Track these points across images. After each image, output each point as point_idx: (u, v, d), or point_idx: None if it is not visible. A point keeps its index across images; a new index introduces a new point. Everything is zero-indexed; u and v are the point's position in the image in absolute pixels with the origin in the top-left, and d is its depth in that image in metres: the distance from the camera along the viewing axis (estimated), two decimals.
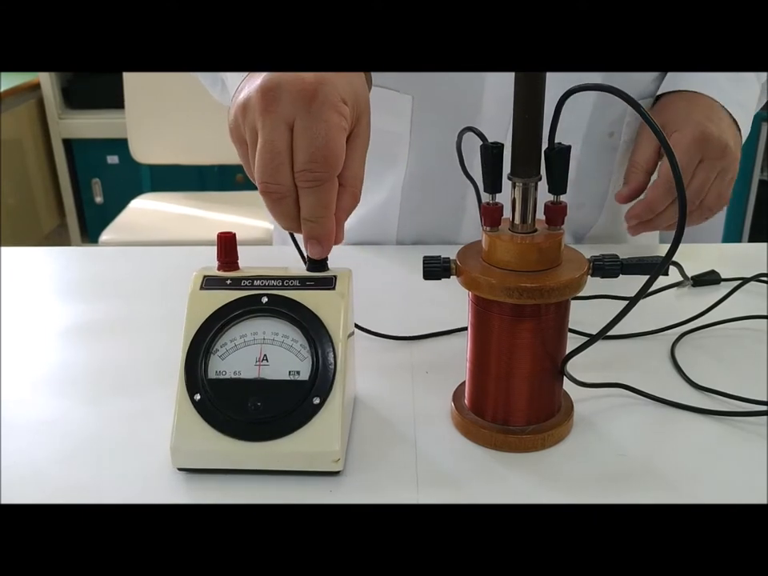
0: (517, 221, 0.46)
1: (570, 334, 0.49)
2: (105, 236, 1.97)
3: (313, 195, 0.45)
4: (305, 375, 0.45)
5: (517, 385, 0.48)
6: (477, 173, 0.72)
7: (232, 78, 0.79)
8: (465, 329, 0.51)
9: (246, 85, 0.47)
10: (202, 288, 0.48)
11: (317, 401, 0.45)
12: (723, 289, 0.69)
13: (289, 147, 0.45)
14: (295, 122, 0.44)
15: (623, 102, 0.41)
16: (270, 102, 0.45)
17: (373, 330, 0.62)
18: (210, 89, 0.83)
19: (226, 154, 2.15)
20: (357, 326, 0.59)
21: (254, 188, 0.47)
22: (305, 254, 0.49)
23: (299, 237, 0.49)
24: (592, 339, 0.47)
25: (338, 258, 0.49)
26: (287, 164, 0.45)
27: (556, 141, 0.44)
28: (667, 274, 0.50)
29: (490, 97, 0.73)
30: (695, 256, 0.80)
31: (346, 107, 0.46)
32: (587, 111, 0.76)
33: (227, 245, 0.49)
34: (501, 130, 0.69)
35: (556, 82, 0.45)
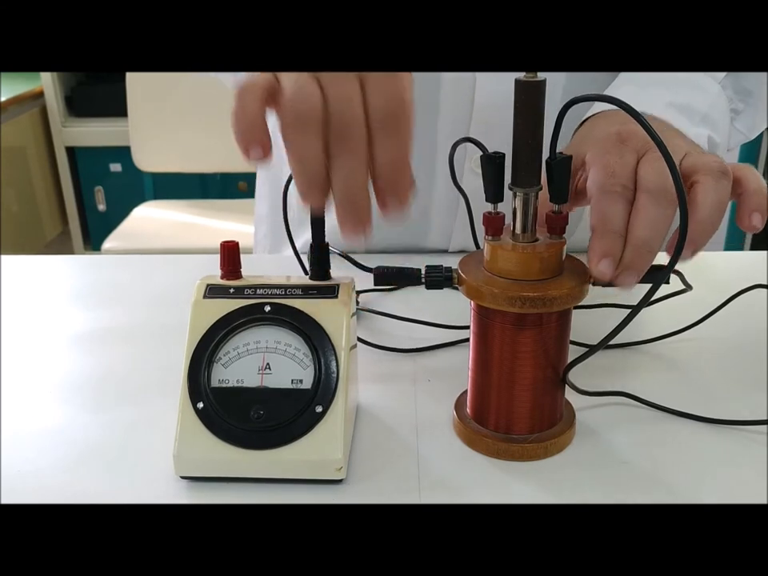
0: (518, 230, 0.46)
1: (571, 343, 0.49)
2: (107, 244, 1.97)
3: (390, 139, 0.40)
4: (307, 384, 0.46)
5: (519, 393, 0.48)
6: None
7: None
8: (467, 339, 0.51)
9: None
10: (204, 297, 0.49)
11: (319, 409, 0.45)
12: (724, 296, 0.69)
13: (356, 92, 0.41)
14: (365, 81, 0.41)
15: (595, 86, 0.39)
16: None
17: (375, 338, 0.62)
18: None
19: (229, 161, 2.16)
20: (359, 339, 0.59)
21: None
22: (306, 264, 0.49)
23: (300, 243, 0.49)
24: (594, 348, 0.47)
25: (340, 266, 0.49)
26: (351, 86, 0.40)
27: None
28: (669, 283, 0.50)
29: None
30: (697, 264, 0.79)
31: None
32: (557, 95, 0.70)
33: (230, 253, 0.49)
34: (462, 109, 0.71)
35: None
